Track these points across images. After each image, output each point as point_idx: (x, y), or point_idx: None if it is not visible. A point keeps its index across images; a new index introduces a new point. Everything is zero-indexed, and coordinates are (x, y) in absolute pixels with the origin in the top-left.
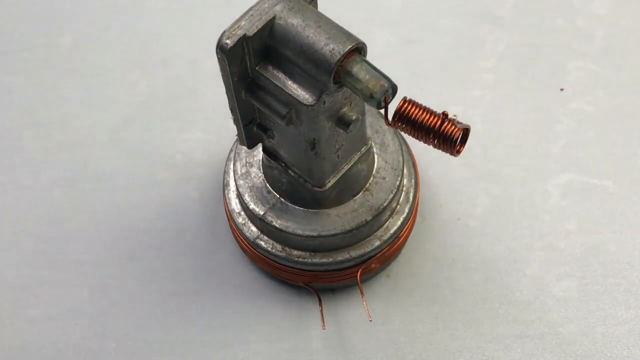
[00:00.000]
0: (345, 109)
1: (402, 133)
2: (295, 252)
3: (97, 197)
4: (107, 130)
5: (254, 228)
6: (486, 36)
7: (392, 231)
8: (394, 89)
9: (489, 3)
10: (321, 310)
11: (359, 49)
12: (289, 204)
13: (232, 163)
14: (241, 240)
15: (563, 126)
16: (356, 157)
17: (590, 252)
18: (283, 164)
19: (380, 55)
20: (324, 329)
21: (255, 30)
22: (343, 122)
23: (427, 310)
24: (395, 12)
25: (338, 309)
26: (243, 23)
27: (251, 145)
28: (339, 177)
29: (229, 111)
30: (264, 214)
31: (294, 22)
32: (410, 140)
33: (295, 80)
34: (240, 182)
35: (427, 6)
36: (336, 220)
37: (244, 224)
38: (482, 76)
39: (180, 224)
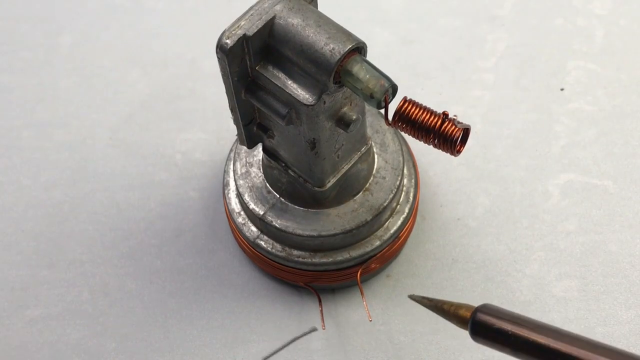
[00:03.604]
0: (345, 109)
1: (402, 133)
2: (295, 252)
3: (97, 197)
4: (107, 130)
5: (254, 228)
6: (486, 36)
7: (392, 231)
8: (394, 88)
9: (489, 3)
10: (321, 310)
11: (359, 49)
12: (289, 204)
13: (232, 163)
14: (241, 240)
15: (563, 126)
16: (356, 157)
17: (590, 252)
18: (283, 164)
19: (380, 55)
20: (324, 329)
21: (255, 30)
22: (343, 122)
23: (428, 310)
24: (395, 12)
25: (338, 309)
26: (243, 23)
27: (251, 145)
28: (339, 177)
29: (229, 111)
30: (264, 213)
31: (294, 21)
32: (410, 140)
33: (295, 80)
34: (240, 182)
35: (427, 6)
36: (336, 220)
37: (244, 224)
38: (482, 76)
39: (180, 224)
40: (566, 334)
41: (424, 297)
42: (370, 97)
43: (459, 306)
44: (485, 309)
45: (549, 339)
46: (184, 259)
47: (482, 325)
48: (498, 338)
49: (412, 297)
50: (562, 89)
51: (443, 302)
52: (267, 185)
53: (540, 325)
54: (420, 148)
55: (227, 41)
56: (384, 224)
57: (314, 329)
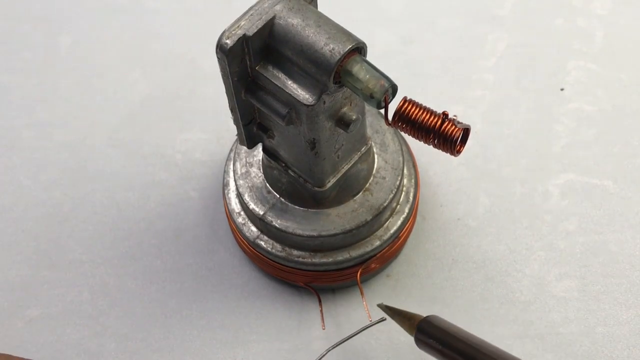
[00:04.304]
0: (345, 109)
1: (402, 133)
2: (295, 252)
3: (97, 197)
4: (106, 130)
5: (253, 228)
6: (486, 36)
7: (392, 231)
8: (394, 88)
9: (489, 3)
10: (321, 310)
11: (359, 49)
12: (289, 204)
13: (232, 163)
14: (241, 240)
15: (563, 126)
16: (356, 157)
17: (590, 252)
18: (283, 164)
19: (380, 55)
20: (324, 329)
21: (255, 30)
22: (343, 122)
23: (427, 310)
24: (395, 12)
25: (338, 309)
26: (243, 23)
27: (251, 145)
28: (339, 177)
29: (229, 111)
30: (264, 214)
31: (294, 21)
32: (410, 140)
33: (295, 80)
34: (240, 182)
35: (427, 6)
36: (336, 220)
37: (243, 224)
38: (482, 76)
39: (180, 224)
40: (491, 350)
41: (387, 307)
42: (370, 97)
43: (411, 317)
44: (430, 320)
45: (474, 352)
46: (184, 259)
47: (422, 334)
48: (434, 347)
49: (379, 306)
50: (562, 89)
51: (400, 312)
52: (267, 185)
53: (471, 341)
54: (420, 148)
55: (227, 41)
56: (384, 224)
57: (382, 319)
